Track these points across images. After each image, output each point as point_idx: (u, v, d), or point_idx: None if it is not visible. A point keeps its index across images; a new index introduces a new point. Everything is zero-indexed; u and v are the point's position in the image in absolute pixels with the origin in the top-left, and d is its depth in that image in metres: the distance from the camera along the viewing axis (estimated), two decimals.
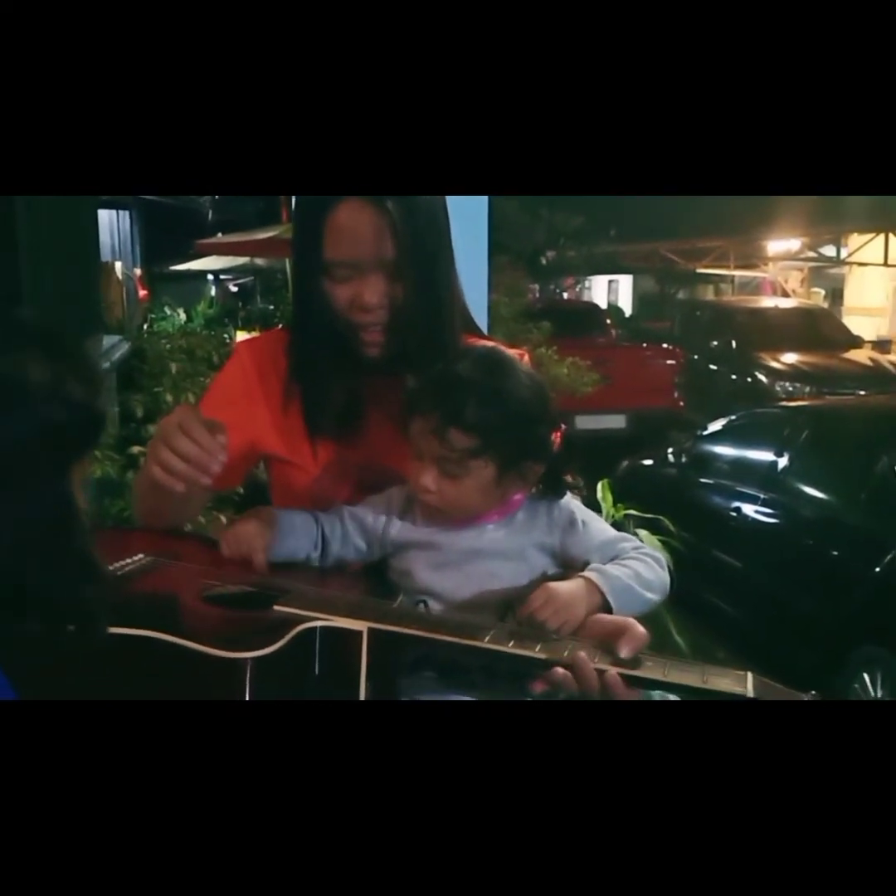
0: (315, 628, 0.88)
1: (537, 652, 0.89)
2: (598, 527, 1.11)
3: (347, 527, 1.11)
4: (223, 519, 2.70)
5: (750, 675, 0.84)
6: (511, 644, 0.89)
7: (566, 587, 0.99)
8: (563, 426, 1.13)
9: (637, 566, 1.04)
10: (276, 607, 0.92)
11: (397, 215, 1.06)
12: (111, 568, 0.98)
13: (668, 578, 1.06)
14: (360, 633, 0.88)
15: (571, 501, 1.12)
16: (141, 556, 1.04)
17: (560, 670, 0.88)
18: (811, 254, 15.82)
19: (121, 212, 8.91)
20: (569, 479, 1.12)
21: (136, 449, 3.23)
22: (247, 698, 0.80)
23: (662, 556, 1.10)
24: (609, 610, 0.98)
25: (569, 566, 1.07)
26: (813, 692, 0.83)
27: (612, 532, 1.12)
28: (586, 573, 1.02)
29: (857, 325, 11.79)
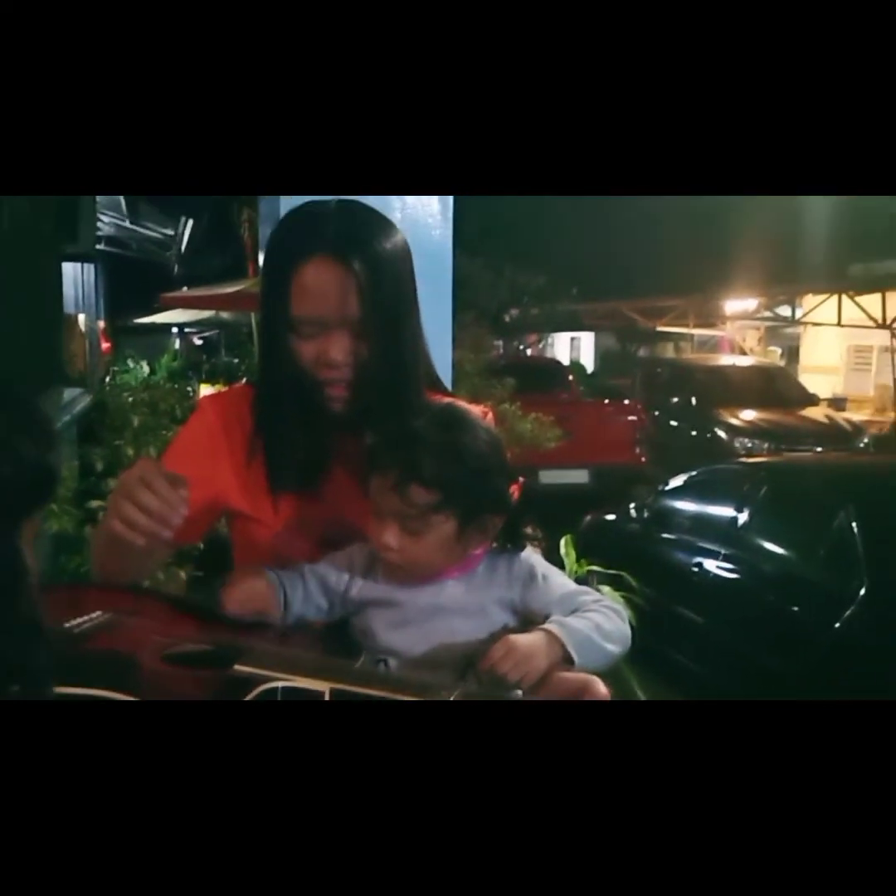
0: (277, 688, 0.87)
1: None
2: (558, 580, 1.11)
3: (309, 585, 1.11)
4: (183, 575, 2.67)
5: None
6: None
7: (526, 639, 0.99)
8: (521, 479, 1.14)
9: (597, 618, 1.04)
10: (237, 667, 0.91)
11: (363, 274, 1.08)
12: (68, 625, 0.96)
13: (628, 630, 1.07)
14: (321, 693, 0.87)
15: (531, 556, 1.12)
16: (99, 613, 1.02)
17: None
18: (767, 313, 16.22)
19: (85, 264, 8.89)
20: (528, 530, 1.13)
21: (95, 503, 3.17)
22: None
23: (622, 609, 1.11)
24: (571, 661, 0.99)
25: (530, 620, 1.07)
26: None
27: (572, 585, 1.12)
28: (546, 625, 1.02)
29: (812, 383, 12.06)
